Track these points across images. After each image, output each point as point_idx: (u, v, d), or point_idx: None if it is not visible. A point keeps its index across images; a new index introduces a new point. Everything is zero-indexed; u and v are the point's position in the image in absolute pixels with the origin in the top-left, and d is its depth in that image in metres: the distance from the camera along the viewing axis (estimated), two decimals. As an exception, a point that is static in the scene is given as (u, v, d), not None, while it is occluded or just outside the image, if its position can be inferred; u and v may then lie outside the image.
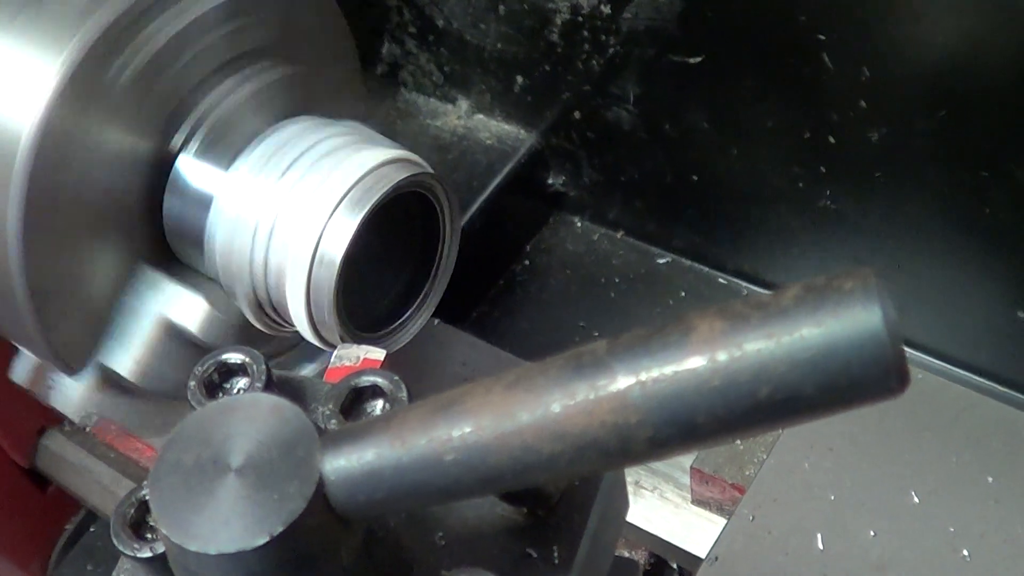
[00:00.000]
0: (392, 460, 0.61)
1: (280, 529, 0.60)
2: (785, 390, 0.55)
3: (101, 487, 1.71)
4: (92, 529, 1.86)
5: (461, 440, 0.59)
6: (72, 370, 1.35)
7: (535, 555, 0.74)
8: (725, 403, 0.55)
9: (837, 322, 0.54)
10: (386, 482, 0.61)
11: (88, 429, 1.74)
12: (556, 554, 0.74)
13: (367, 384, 0.77)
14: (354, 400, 0.77)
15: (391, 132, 1.95)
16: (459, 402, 0.61)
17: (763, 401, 0.55)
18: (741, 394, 0.55)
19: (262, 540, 0.60)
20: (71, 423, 1.75)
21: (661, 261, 1.93)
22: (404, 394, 0.75)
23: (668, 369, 0.56)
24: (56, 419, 1.75)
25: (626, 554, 1.57)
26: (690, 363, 0.56)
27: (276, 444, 0.63)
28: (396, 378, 0.76)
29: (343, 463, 0.62)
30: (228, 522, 0.60)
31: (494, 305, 1.95)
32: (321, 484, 0.61)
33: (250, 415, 0.64)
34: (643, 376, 0.56)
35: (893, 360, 0.54)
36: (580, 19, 1.69)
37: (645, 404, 0.56)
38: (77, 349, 1.34)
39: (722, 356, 0.55)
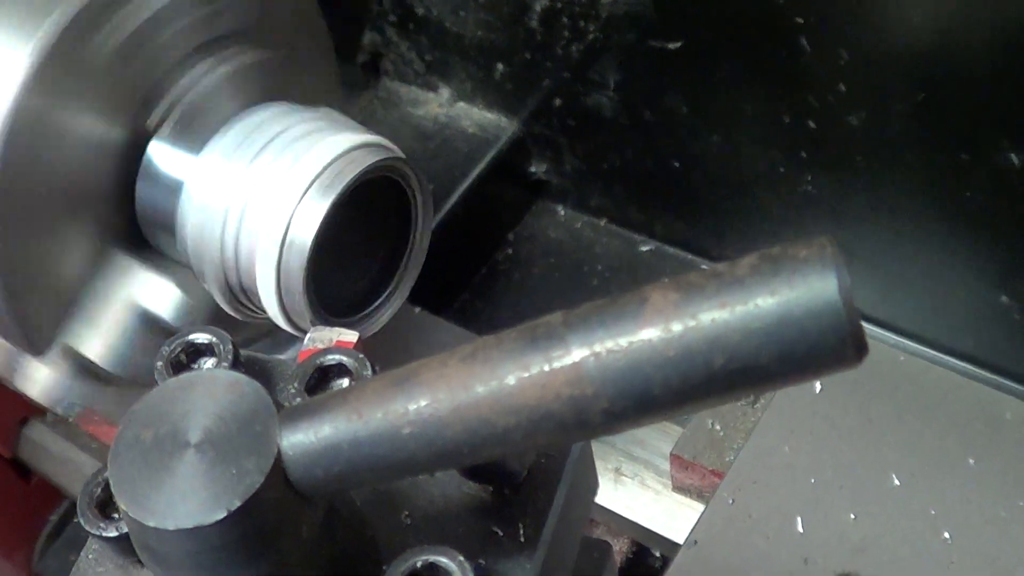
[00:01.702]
0: (349, 434, 0.61)
1: (238, 504, 0.60)
2: (740, 360, 0.54)
3: (84, 477, 1.71)
4: (76, 520, 1.86)
5: (417, 413, 0.59)
6: (37, 350, 1.34)
7: (501, 533, 0.74)
8: (680, 374, 0.55)
9: (792, 291, 0.54)
10: (343, 456, 0.61)
11: (71, 419, 1.74)
12: (522, 532, 0.74)
13: (332, 363, 0.77)
14: (320, 379, 0.77)
15: (373, 120, 1.96)
16: (415, 375, 0.60)
17: (718, 371, 0.55)
18: (696, 364, 0.55)
19: (220, 515, 0.59)
20: (54, 414, 1.75)
21: (644, 248, 1.92)
22: (369, 372, 0.75)
23: (623, 340, 0.56)
24: (39, 410, 1.74)
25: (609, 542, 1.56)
26: (645, 334, 0.56)
27: (234, 419, 0.62)
28: (361, 356, 0.76)
29: (301, 438, 0.61)
30: (186, 497, 0.60)
31: (476, 293, 1.95)
32: (279, 459, 0.61)
33: (209, 391, 0.64)
34: (598, 348, 0.56)
35: (849, 329, 0.54)
36: (559, 5, 1.69)
37: (600, 376, 0.56)
38: (44, 330, 1.33)
39: (676, 326, 0.55)
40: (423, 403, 0.59)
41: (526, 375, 0.57)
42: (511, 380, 0.58)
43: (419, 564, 0.67)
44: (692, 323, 0.55)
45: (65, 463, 1.73)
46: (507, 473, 0.75)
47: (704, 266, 1.84)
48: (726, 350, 0.54)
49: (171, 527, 0.60)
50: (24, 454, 1.77)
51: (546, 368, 0.57)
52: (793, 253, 0.55)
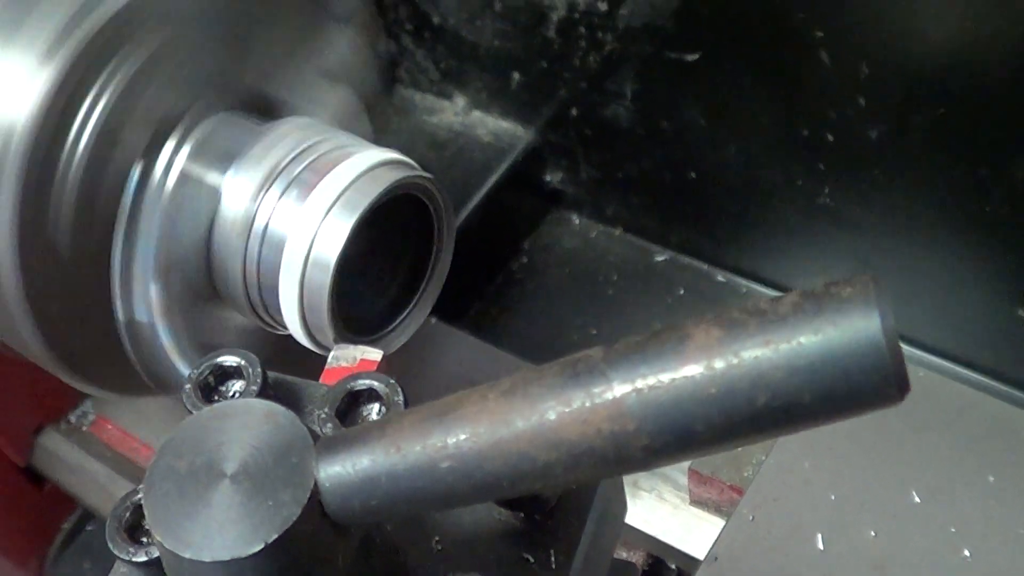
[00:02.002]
0: (387, 467, 0.60)
1: (275, 536, 0.60)
2: (783, 398, 0.54)
3: (97, 486, 1.72)
4: (89, 527, 1.87)
5: (456, 447, 0.59)
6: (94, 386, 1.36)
7: (532, 560, 0.74)
8: (722, 411, 0.55)
9: (835, 330, 0.54)
10: (381, 489, 0.61)
11: (84, 428, 1.75)
12: (553, 558, 0.74)
13: (363, 388, 0.77)
14: (350, 404, 0.77)
15: (387, 128, 1.96)
16: (455, 409, 0.60)
17: (761, 409, 0.55)
18: (739, 402, 0.55)
19: (257, 547, 0.59)
20: (68, 422, 1.76)
21: (659, 258, 1.92)
22: (400, 398, 0.75)
23: (665, 377, 0.56)
24: (53, 418, 1.75)
25: (624, 555, 1.56)
26: (687, 371, 0.55)
27: (270, 450, 0.62)
28: (392, 382, 0.76)
29: (338, 470, 0.61)
30: (222, 529, 0.60)
31: (492, 302, 1.95)
32: (316, 491, 0.61)
33: (244, 421, 0.64)
34: (639, 384, 0.56)
35: (892, 368, 0.54)
36: (576, 16, 1.69)
37: (641, 412, 0.56)
38: (91, 363, 1.33)
39: (719, 364, 0.55)
40: (463, 437, 0.59)
41: (567, 410, 0.57)
42: (552, 415, 0.58)
43: (451, 590, 0.67)
44: (735, 360, 0.55)
45: (78, 471, 1.74)
46: (538, 500, 0.75)
47: (719, 276, 1.85)
48: (769, 388, 0.54)
49: (208, 559, 0.60)
50: (38, 462, 1.78)
51: (587, 404, 0.57)
52: (836, 292, 0.55)
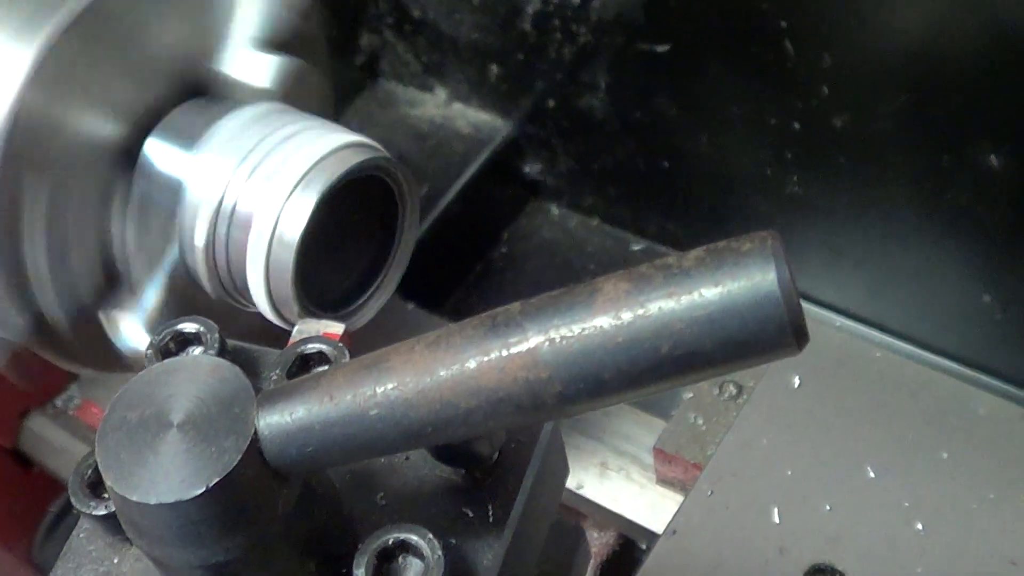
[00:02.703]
0: (321, 415, 0.64)
1: (216, 480, 0.63)
2: (685, 346, 0.58)
3: (83, 467, 1.74)
4: (76, 511, 1.88)
5: (384, 396, 0.63)
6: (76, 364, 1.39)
7: (471, 514, 0.78)
8: (629, 359, 0.59)
9: (733, 282, 0.57)
10: (316, 436, 0.65)
11: (71, 412, 1.78)
12: (491, 513, 0.78)
13: (313, 351, 0.81)
14: (301, 367, 0.81)
15: (370, 120, 1.99)
16: (384, 360, 0.64)
17: (665, 357, 0.58)
18: (644, 350, 0.58)
19: (199, 491, 0.63)
20: (54, 406, 1.79)
21: (636, 247, 1.96)
22: (347, 360, 0.79)
23: (576, 328, 0.60)
24: (40, 401, 1.78)
25: (595, 535, 1.59)
26: (596, 322, 0.59)
27: (215, 401, 0.66)
28: (340, 345, 0.80)
29: (276, 419, 0.65)
30: (168, 474, 0.64)
31: (471, 291, 1.98)
32: (255, 439, 0.65)
33: (192, 375, 0.68)
34: (552, 334, 0.60)
35: (788, 318, 0.57)
36: (550, 9, 1.72)
37: (554, 361, 0.60)
38: (70, 339, 1.36)
39: (626, 315, 0.59)
40: (390, 386, 0.63)
41: (486, 359, 0.61)
42: (472, 364, 0.61)
43: (391, 542, 0.71)
44: (641, 311, 0.58)
45: (65, 454, 1.76)
46: (478, 457, 0.78)
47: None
48: (672, 337, 0.58)
49: (153, 502, 0.64)
50: (25, 445, 1.80)
51: (504, 353, 0.61)
52: (736, 246, 0.59)
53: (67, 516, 1.87)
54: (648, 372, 0.59)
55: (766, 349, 0.58)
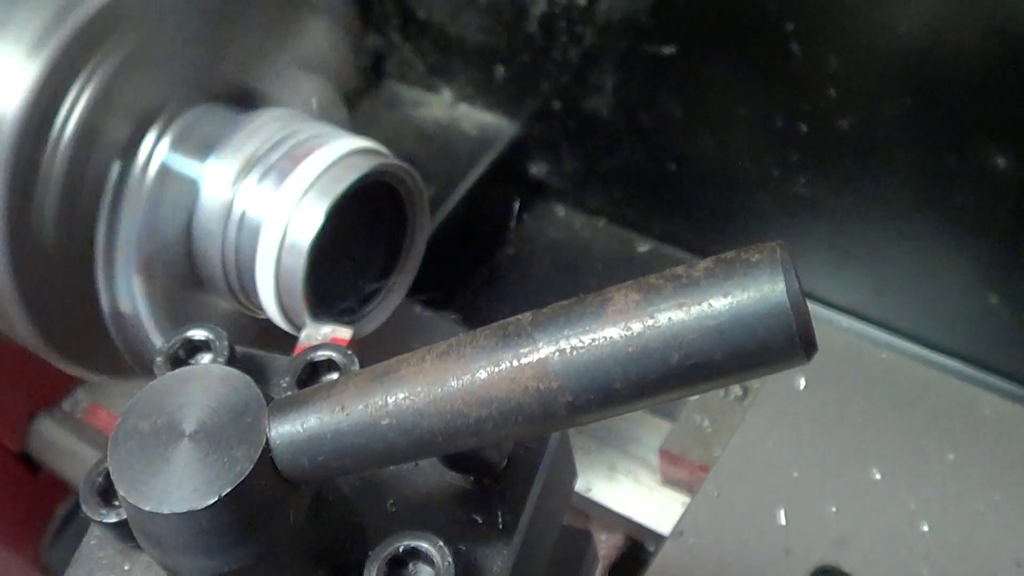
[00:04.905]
0: (332, 425, 0.65)
1: (228, 490, 0.64)
2: (695, 356, 0.58)
3: (90, 470, 1.74)
4: (83, 513, 1.89)
5: (396, 406, 0.63)
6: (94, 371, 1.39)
7: (480, 521, 0.78)
8: (639, 369, 0.59)
9: (743, 292, 0.58)
10: (327, 446, 0.65)
11: (78, 415, 1.78)
12: (500, 520, 0.78)
13: (322, 359, 0.81)
14: (311, 374, 0.81)
15: (375, 122, 1.99)
16: (395, 370, 0.64)
17: (675, 367, 0.59)
18: (654, 360, 0.59)
19: (211, 500, 0.63)
20: (61, 409, 1.79)
21: (642, 248, 1.95)
22: (357, 367, 0.79)
23: (586, 338, 0.60)
24: (47, 404, 1.78)
25: (603, 537, 1.60)
26: (606, 332, 0.60)
27: (227, 411, 0.66)
28: (350, 352, 0.80)
29: (288, 428, 0.65)
30: (180, 484, 0.64)
31: (477, 292, 1.98)
32: (267, 448, 0.65)
33: (203, 384, 0.68)
34: (563, 344, 0.60)
35: (797, 329, 0.57)
36: (556, 10, 1.72)
37: (565, 370, 0.60)
38: (83, 346, 1.37)
39: (636, 325, 0.59)
40: (401, 396, 0.63)
41: (496, 369, 0.61)
42: (483, 375, 0.62)
43: (401, 549, 0.71)
44: (651, 321, 0.59)
45: (72, 457, 1.77)
46: (487, 464, 0.78)
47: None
48: (682, 347, 0.58)
49: (166, 511, 0.64)
50: (32, 448, 1.81)
51: (515, 363, 0.61)
52: (746, 257, 0.59)
53: (74, 519, 1.88)
54: (658, 382, 0.59)
55: (775, 359, 0.59)
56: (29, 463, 1.82)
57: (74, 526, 1.88)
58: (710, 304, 0.58)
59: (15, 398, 1.73)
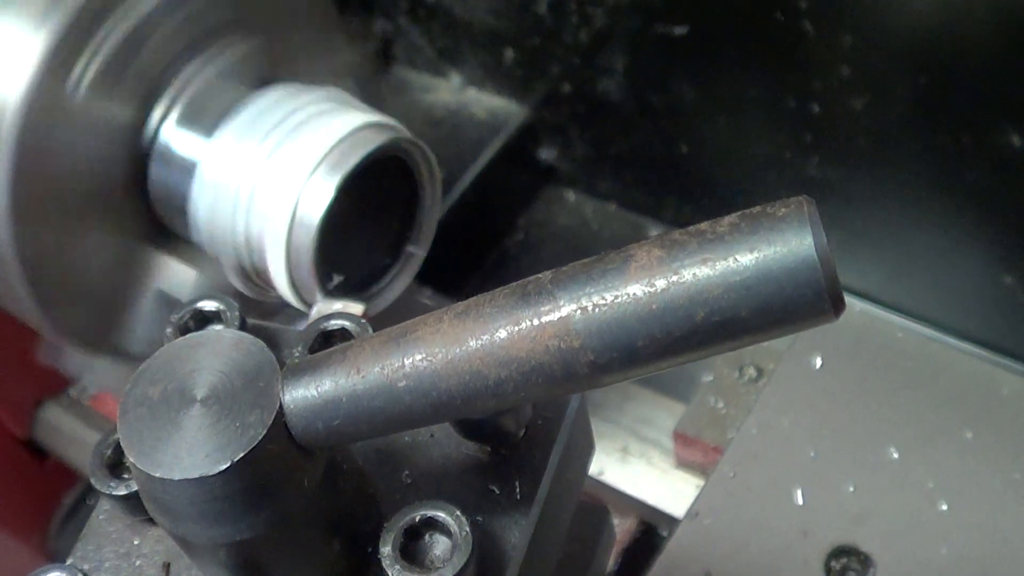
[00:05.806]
0: (348, 388, 0.63)
1: (241, 455, 0.62)
2: (721, 313, 0.57)
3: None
4: (90, 501, 1.88)
5: (413, 367, 0.62)
6: (93, 352, 1.38)
7: (497, 491, 0.77)
8: (663, 327, 0.58)
9: (769, 247, 0.56)
10: (343, 410, 0.63)
11: (85, 402, 1.77)
12: (518, 490, 0.77)
13: (335, 328, 0.80)
14: (323, 343, 0.80)
15: (383, 107, 1.98)
16: (411, 331, 0.63)
17: (700, 324, 0.57)
18: (678, 318, 0.57)
19: (223, 466, 0.62)
20: (69, 396, 1.78)
21: (653, 232, 1.94)
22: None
23: (608, 296, 0.58)
24: (54, 392, 1.77)
25: (616, 521, 1.58)
26: (629, 289, 0.58)
27: (239, 375, 0.65)
28: (363, 321, 0.79)
29: (302, 392, 0.64)
30: (192, 450, 0.63)
31: (488, 278, 1.97)
32: (281, 413, 0.64)
33: (214, 349, 0.67)
34: (584, 303, 0.59)
35: (825, 284, 0.56)
36: (566, -9, 1.71)
37: (586, 329, 0.59)
38: (88, 330, 1.35)
39: (660, 282, 0.58)
40: (419, 357, 0.62)
41: (516, 329, 0.60)
42: (502, 334, 0.60)
43: (418, 519, 0.70)
44: (675, 278, 0.57)
45: (80, 444, 1.76)
46: (504, 433, 0.77)
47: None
48: (707, 304, 0.57)
49: (177, 477, 0.62)
50: (40, 436, 1.80)
51: (535, 322, 0.59)
52: (772, 211, 0.57)
53: (82, 507, 1.87)
54: (683, 340, 0.58)
55: (803, 316, 0.57)
56: (36, 450, 1.82)
57: (82, 513, 1.87)
58: (736, 259, 0.56)
59: (22, 385, 1.72)
